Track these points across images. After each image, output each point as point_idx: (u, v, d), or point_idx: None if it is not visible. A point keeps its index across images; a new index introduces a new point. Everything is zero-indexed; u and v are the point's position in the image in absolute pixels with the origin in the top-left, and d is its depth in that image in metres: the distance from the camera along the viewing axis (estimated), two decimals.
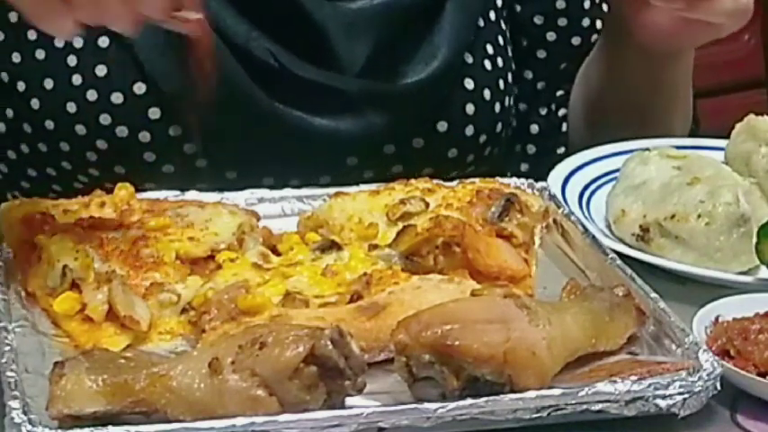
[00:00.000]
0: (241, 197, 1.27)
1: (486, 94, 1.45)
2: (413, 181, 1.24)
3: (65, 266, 1.08)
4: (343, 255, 1.13)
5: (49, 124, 1.35)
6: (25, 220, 1.14)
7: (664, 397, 0.98)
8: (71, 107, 1.34)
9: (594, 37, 1.55)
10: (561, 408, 0.96)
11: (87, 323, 1.06)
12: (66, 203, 1.19)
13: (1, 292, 1.07)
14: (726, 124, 1.41)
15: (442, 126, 1.42)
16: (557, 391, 0.96)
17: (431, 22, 1.42)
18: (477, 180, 1.27)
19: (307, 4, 1.36)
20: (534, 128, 1.57)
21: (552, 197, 1.29)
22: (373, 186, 1.26)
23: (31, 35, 1.35)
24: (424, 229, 1.15)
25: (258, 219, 1.22)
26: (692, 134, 1.57)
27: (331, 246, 1.14)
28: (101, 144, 1.35)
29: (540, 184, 1.31)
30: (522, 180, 1.31)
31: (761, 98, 2.66)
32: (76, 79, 1.34)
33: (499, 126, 1.47)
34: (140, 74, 1.33)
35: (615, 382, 0.97)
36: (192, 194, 1.25)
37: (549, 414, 0.96)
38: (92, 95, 1.34)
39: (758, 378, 1.02)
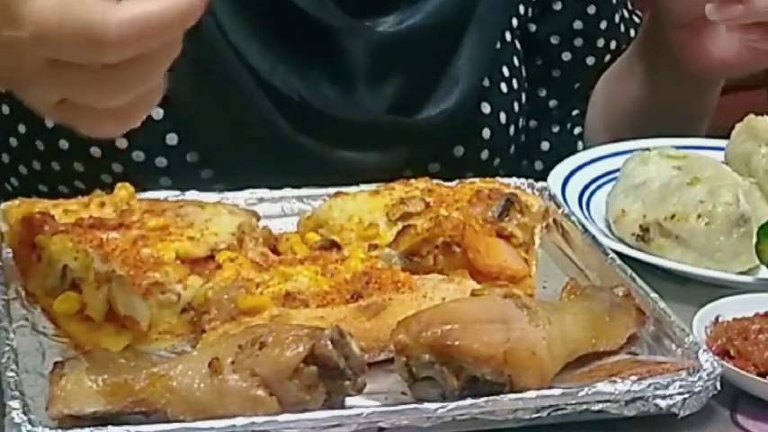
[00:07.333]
0: (241, 197, 1.26)
1: (503, 117, 1.44)
2: (413, 181, 1.24)
3: (65, 266, 1.08)
4: (343, 255, 1.13)
5: (63, 144, 1.33)
6: (25, 220, 1.14)
7: (664, 397, 0.98)
8: None
9: (608, 57, 1.55)
10: (561, 408, 0.96)
11: (87, 323, 1.06)
12: (66, 203, 1.19)
13: (1, 292, 1.07)
14: (726, 124, 1.41)
15: (459, 151, 1.42)
16: (557, 391, 0.96)
17: (453, 46, 1.40)
18: (477, 180, 1.27)
19: (337, 32, 1.34)
20: (545, 145, 1.57)
21: (552, 197, 1.28)
22: (373, 186, 1.25)
23: None
24: (424, 229, 1.15)
25: (258, 219, 1.21)
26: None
27: (331, 246, 1.14)
28: (116, 167, 1.33)
29: (540, 184, 1.30)
30: (522, 180, 1.30)
31: (761, 98, 2.66)
32: None
33: (512, 148, 1.47)
34: None
35: (615, 382, 0.97)
36: (191, 194, 1.25)
37: (549, 414, 0.96)
38: None
39: (758, 378, 1.02)
